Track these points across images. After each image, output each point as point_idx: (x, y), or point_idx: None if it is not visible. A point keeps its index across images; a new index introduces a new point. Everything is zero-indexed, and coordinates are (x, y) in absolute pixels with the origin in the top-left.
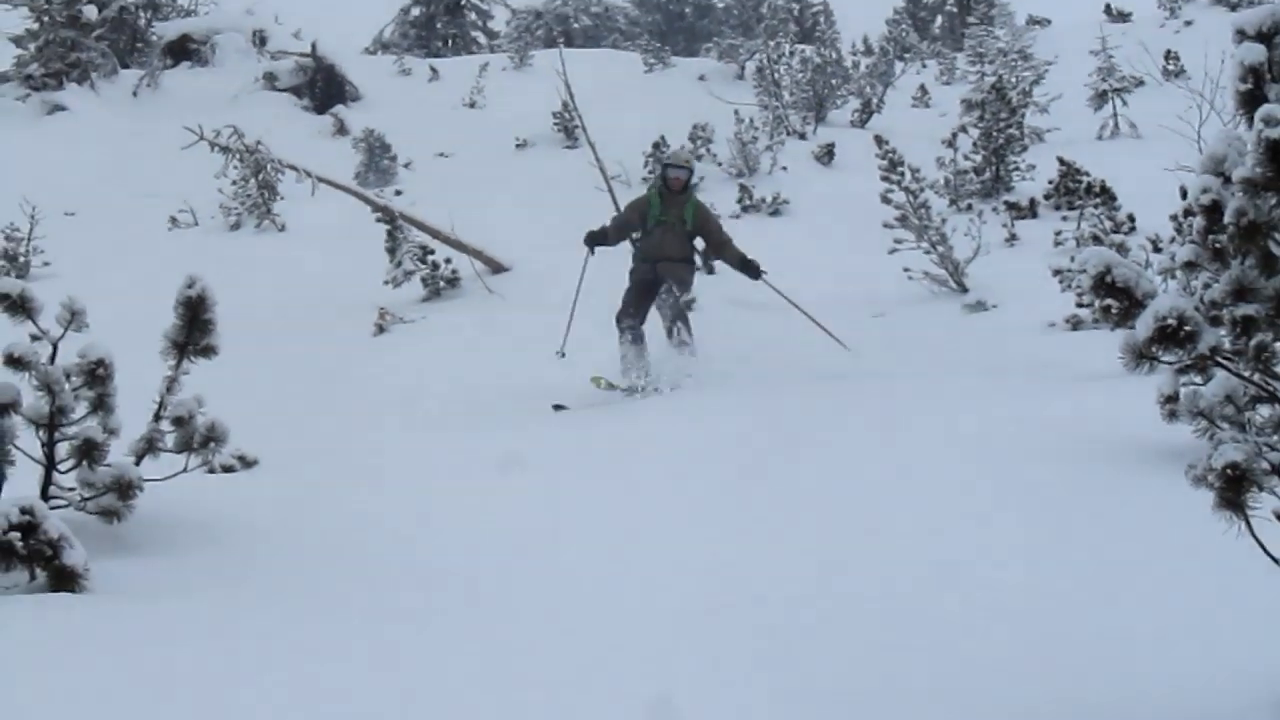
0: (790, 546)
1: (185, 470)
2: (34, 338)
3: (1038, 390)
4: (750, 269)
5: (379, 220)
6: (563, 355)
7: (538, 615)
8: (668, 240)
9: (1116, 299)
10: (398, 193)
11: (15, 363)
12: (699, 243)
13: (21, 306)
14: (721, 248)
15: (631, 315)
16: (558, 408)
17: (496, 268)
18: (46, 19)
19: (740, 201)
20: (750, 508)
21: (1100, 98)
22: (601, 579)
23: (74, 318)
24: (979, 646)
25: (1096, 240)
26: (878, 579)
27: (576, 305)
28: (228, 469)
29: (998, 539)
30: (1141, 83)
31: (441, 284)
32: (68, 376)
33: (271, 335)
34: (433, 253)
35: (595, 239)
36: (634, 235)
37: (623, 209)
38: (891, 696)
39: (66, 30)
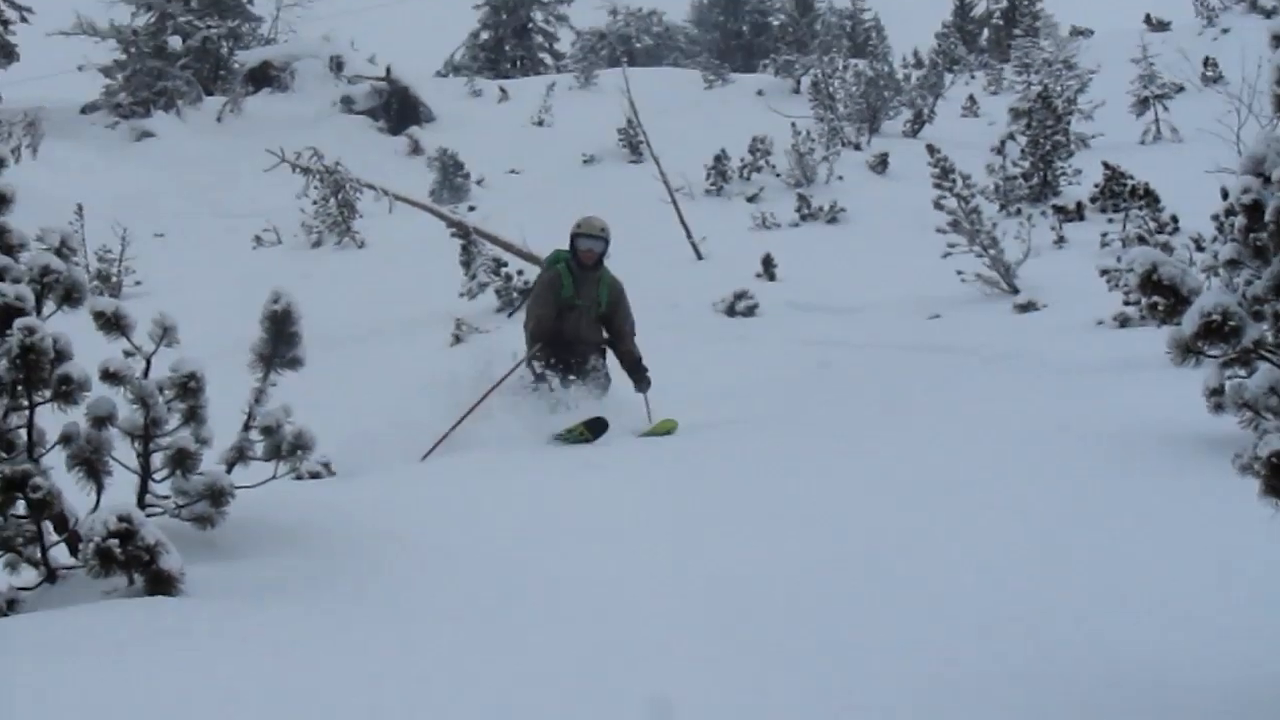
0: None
1: (274, 477)
2: (128, 354)
3: (1088, 384)
4: (640, 375)
5: (454, 235)
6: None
7: (567, 616)
8: (582, 327)
9: (1163, 296)
10: (471, 208)
11: (111, 378)
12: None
13: (116, 324)
14: (624, 339)
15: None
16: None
17: None
18: (134, 50)
19: (798, 210)
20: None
21: (1142, 104)
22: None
23: (166, 334)
24: (1004, 645)
25: (1141, 241)
26: (913, 575)
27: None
28: (314, 475)
29: (1040, 537)
30: (1181, 89)
31: (514, 295)
32: (161, 390)
33: (353, 348)
34: (505, 265)
35: (534, 351)
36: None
37: (536, 291)
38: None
39: (153, 60)
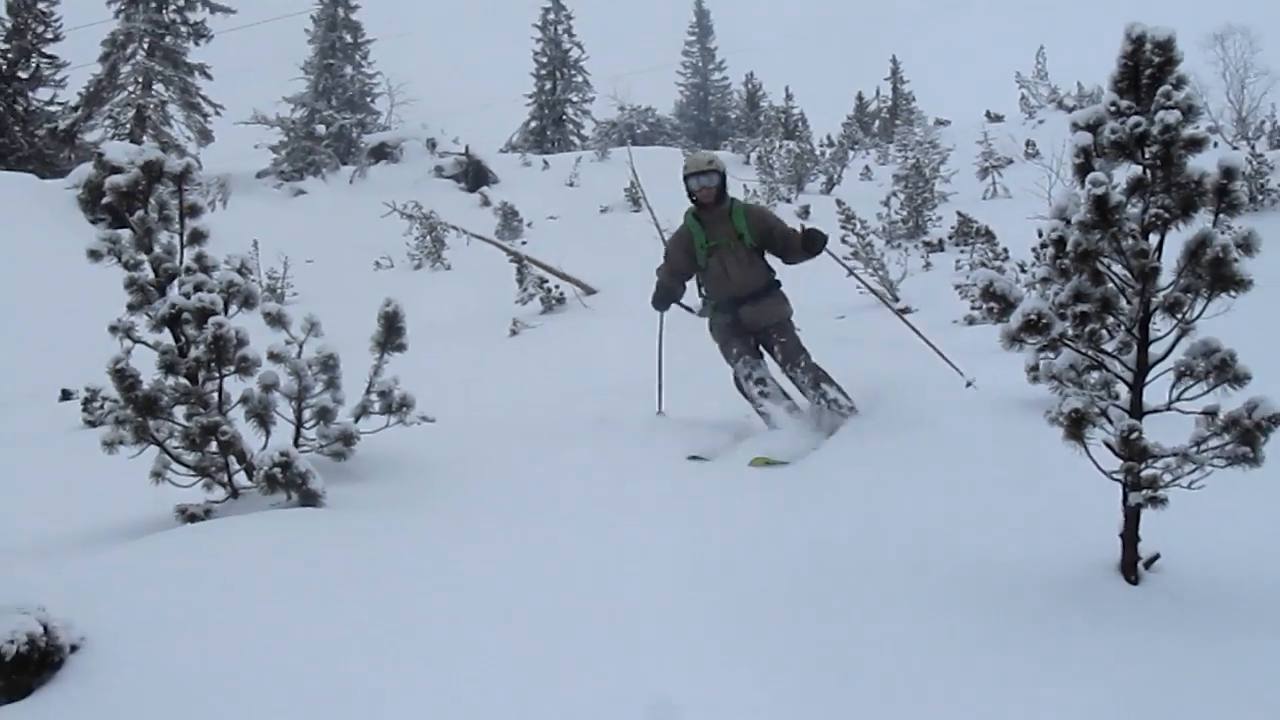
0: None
1: (387, 426)
2: (287, 341)
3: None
4: (812, 245)
5: (511, 261)
6: (661, 412)
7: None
8: (732, 269)
9: (997, 302)
10: (523, 242)
11: (275, 357)
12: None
13: (278, 320)
14: (790, 247)
15: (746, 358)
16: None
17: (588, 290)
18: (292, 134)
19: None
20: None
21: (984, 172)
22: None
23: (313, 328)
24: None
25: (983, 265)
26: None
27: (663, 365)
28: (414, 424)
29: (939, 484)
30: (1011, 161)
31: (553, 302)
32: (309, 366)
33: (443, 337)
34: (547, 282)
35: (663, 298)
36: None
37: (666, 248)
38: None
39: (305, 141)
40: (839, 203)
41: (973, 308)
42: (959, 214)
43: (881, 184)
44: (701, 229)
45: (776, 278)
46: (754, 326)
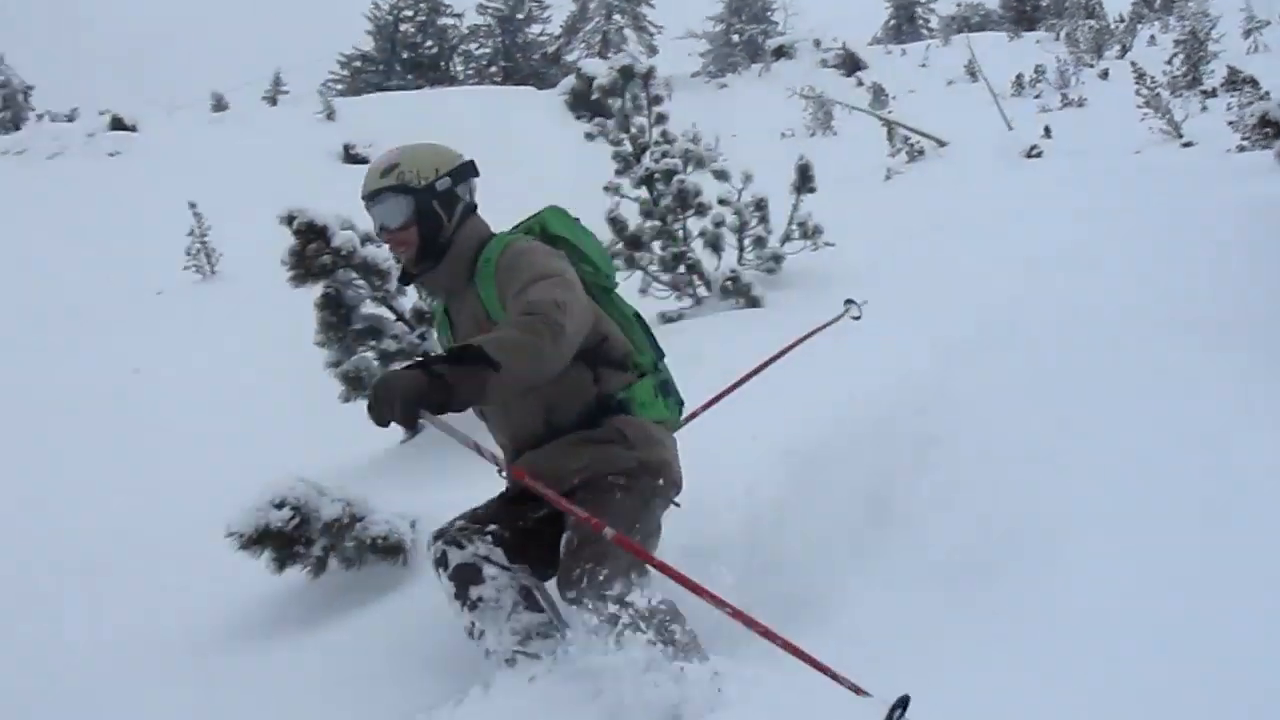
0: None
1: (803, 250)
2: (729, 190)
3: (1240, 179)
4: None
5: (882, 125)
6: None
7: None
8: (510, 402)
9: (1272, 128)
10: (889, 111)
11: (723, 202)
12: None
13: (722, 175)
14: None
15: (460, 521)
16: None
17: (941, 143)
18: (715, 43)
19: (1062, 102)
20: None
21: (1247, 33)
22: None
23: (747, 179)
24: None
25: (1250, 103)
26: None
27: None
28: (823, 247)
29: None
30: (1269, 23)
31: (915, 154)
32: (747, 206)
33: (835, 184)
34: (910, 138)
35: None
36: None
37: None
38: None
39: (724, 48)
40: (1133, 64)
41: (1243, 139)
42: (1229, 67)
43: (1164, 49)
44: (444, 313)
45: (618, 392)
46: (533, 479)
